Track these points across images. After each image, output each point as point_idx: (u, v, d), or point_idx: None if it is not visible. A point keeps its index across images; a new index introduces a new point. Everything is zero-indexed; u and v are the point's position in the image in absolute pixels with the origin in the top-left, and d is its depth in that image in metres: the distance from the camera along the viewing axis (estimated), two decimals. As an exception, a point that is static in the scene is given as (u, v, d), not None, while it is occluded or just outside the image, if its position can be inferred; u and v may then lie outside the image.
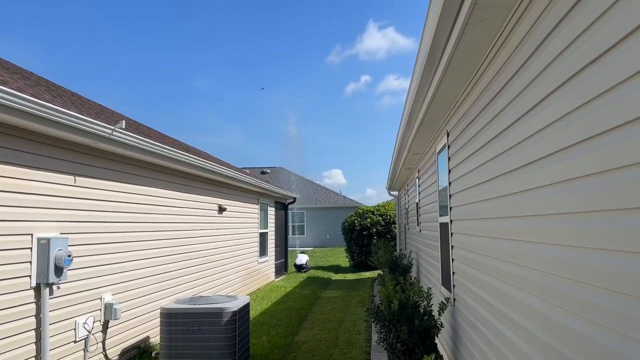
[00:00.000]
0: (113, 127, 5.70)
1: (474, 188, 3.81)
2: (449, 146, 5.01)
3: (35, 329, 4.92)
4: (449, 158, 5.03)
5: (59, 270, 5.12)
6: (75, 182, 5.61)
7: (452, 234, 4.96)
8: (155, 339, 7.19)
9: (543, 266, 2.35)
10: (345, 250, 19.84)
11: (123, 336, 6.46)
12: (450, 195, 4.98)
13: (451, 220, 4.95)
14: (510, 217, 2.85)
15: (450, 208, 4.96)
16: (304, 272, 17.50)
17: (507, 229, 2.94)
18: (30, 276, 4.91)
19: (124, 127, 5.85)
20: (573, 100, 1.99)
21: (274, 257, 15.30)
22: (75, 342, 5.53)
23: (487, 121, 3.33)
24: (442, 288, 5.72)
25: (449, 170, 5.00)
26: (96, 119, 5.53)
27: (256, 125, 73.85)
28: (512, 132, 2.79)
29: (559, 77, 2.13)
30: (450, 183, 4.97)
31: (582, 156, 1.92)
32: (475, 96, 3.71)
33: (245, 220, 12.21)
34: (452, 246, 4.96)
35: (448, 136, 5.05)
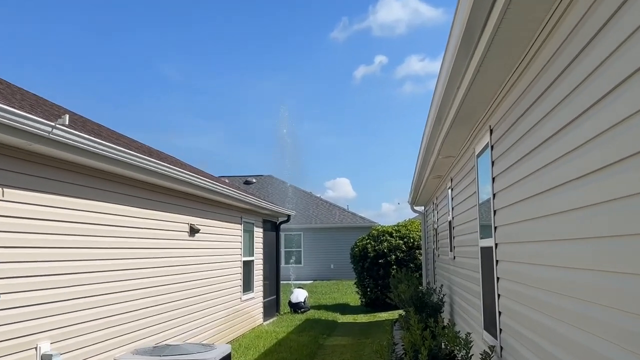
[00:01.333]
0: (53, 124, 5.62)
1: (530, 201, 3.76)
2: (492, 147, 5.02)
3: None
4: (492, 162, 5.03)
5: (-20, 312, 5.00)
6: (3, 196, 5.53)
7: (497, 261, 4.97)
8: (108, 401, 7.08)
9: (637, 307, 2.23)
10: (355, 283, 19.84)
11: (65, 398, 6.33)
12: (494, 211, 4.99)
13: (496, 244, 4.97)
14: (592, 239, 2.71)
15: (495, 228, 4.98)
16: (302, 312, 17.55)
17: (584, 255, 2.84)
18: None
19: (67, 123, 5.77)
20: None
21: (261, 293, 15.34)
22: (1, 406, 5.41)
23: (553, 106, 3.24)
24: (485, 333, 5.69)
25: (493, 179, 5.01)
26: (31, 113, 5.46)
27: (239, 123, 73.68)
28: (594, 117, 2.67)
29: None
30: (494, 195, 4.99)
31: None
32: (532, 76, 3.66)
33: (225, 244, 12.27)
34: (497, 278, 4.97)
35: (491, 133, 5.06)
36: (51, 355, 5.97)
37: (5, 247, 5.55)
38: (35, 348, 5.91)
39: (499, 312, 4.91)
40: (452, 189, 8.73)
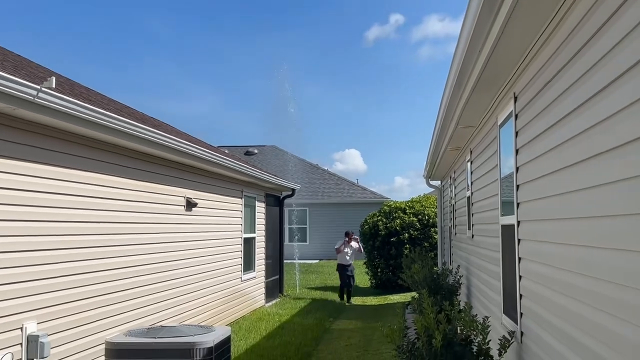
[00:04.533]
0: (39, 87, 5.60)
1: (558, 174, 3.75)
2: (517, 115, 5.06)
3: None
4: (516, 132, 5.08)
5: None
6: (-16, 165, 5.52)
7: (519, 240, 5.05)
8: (99, 385, 7.16)
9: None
10: (364, 263, 19.98)
11: (53, 381, 6.41)
12: (517, 186, 5.07)
13: (519, 222, 5.05)
14: (627, 216, 2.68)
15: (518, 204, 5.06)
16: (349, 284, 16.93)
17: (617, 233, 2.81)
18: None
19: (53, 86, 5.75)
20: None
21: (263, 273, 15.50)
22: (-15, 389, 5.48)
23: (586, 70, 3.19)
24: (505, 317, 5.75)
25: (517, 151, 5.07)
26: (15, 75, 5.44)
27: (236, 87, 72.37)
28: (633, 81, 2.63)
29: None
30: (517, 169, 5.06)
31: None
32: (562, 38, 3.62)
33: (224, 220, 12.41)
34: (519, 258, 5.04)
35: (516, 101, 5.08)
36: (38, 336, 6.01)
37: (-12, 220, 5.56)
38: (21, 328, 5.96)
39: (520, 295, 4.96)
40: (471, 162, 8.80)
